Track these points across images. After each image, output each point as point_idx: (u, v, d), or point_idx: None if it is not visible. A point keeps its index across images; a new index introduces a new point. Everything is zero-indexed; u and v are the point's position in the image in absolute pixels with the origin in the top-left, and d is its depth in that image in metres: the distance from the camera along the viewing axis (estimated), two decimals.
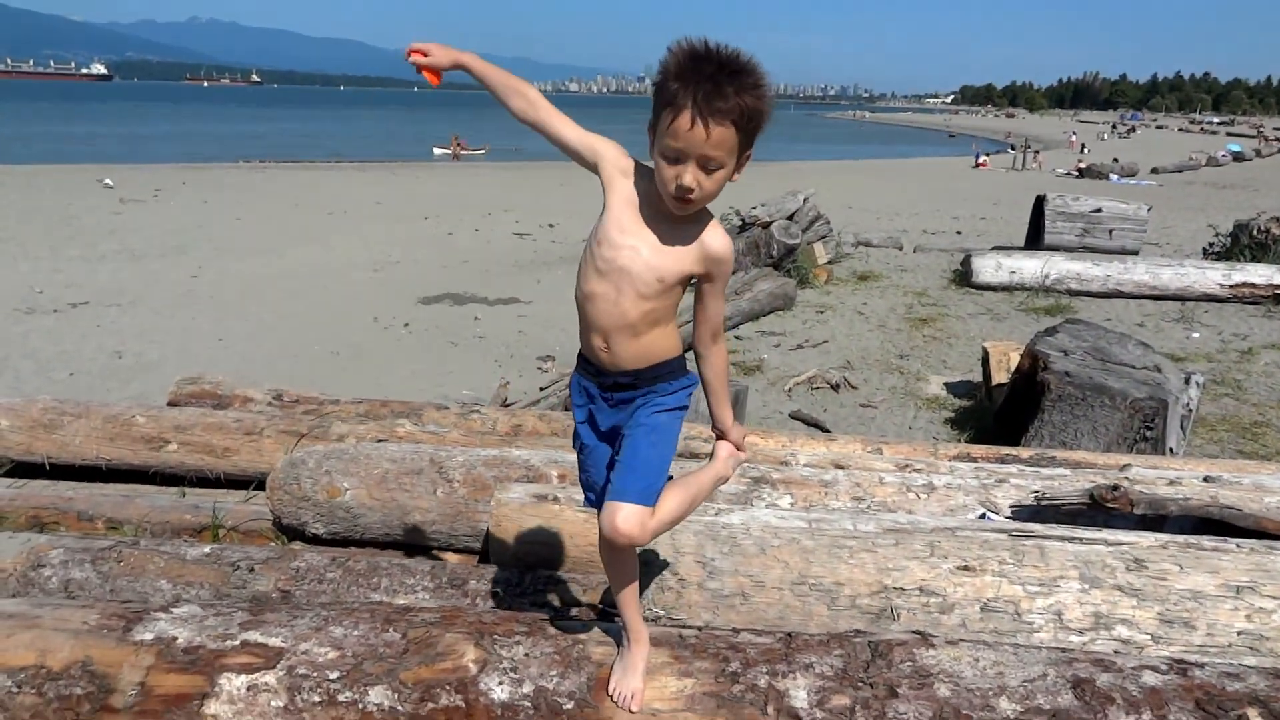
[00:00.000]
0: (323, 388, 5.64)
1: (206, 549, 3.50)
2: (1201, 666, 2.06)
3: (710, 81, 1.63)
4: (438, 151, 38.31)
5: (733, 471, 2.20)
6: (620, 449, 1.96)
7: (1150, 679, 2.01)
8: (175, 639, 2.12)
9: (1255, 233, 11.09)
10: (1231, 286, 9.71)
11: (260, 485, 4.22)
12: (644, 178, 1.83)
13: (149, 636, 2.14)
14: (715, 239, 1.85)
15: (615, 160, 1.86)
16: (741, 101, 1.65)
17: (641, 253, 1.82)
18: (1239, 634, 2.31)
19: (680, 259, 1.84)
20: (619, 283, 1.84)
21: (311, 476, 3.75)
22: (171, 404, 5.08)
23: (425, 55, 1.82)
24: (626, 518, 1.86)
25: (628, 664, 2.06)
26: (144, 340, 7.99)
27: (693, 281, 1.93)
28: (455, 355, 7.88)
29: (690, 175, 1.70)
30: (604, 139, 1.88)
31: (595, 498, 2.08)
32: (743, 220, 10.78)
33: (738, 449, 2.20)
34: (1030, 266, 10.22)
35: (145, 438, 4.44)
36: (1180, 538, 2.81)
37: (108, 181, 20.09)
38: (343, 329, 8.58)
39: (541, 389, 6.68)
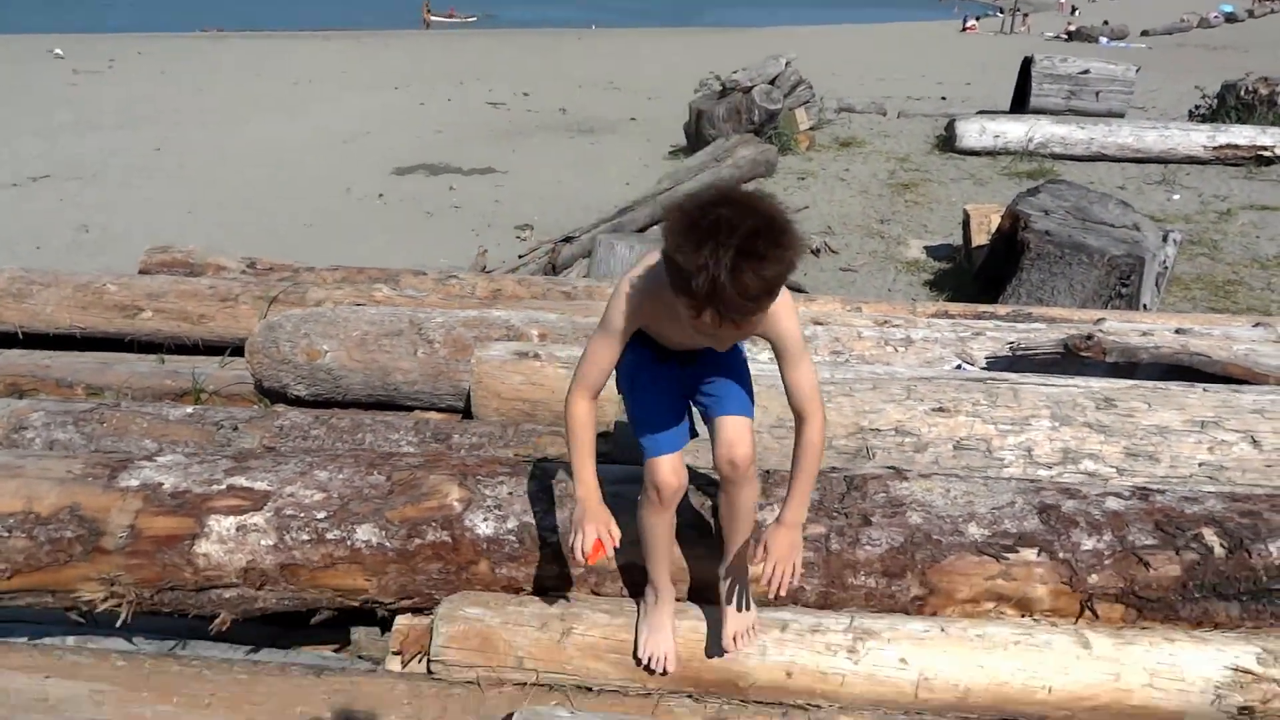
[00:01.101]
0: (296, 258, 5.55)
1: (189, 410, 3.51)
2: (1163, 492, 2.14)
3: (735, 285, 1.41)
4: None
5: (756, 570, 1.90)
6: (708, 388, 1.88)
7: (1113, 504, 2.09)
8: (161, 484, 2.15)
9: (1242, 94, 10.92)
10: (1215, 149, 9.62)
11: (238, 351, 4.20)
12: (665, 291, 1.57)
13: (135, 483, 2.16)
14: (772, 311, 1.60)
15: (642, 319, 1.74)
16: (768, 288, 1.45)
17: (709, 340, 1.66)
18: (1200, 465, 2.39)
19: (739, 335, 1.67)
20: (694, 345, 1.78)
21: (290, 339, 3.73)
22: (143, 273, 4.99)
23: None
24: (741, 428, 1.79)
25: (657, 624, 1.99)
26: (109, 213, 7.79)
27: None
28: (431, 225, 7.76)
29: (727, 338, 1.61)
30: (625, 322, 1.74)
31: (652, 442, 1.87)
32: (723, 85, 10.47)
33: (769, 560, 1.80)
34: (1015, 130, 10.06)
35: (118, 305, 4.38)
36: (1150, 383, 2.87)
37: (58, 52, 19.16)
38: (315, 200, 8.39)
39: (520, 256, 6.62)
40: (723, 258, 1.40)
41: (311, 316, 3.82)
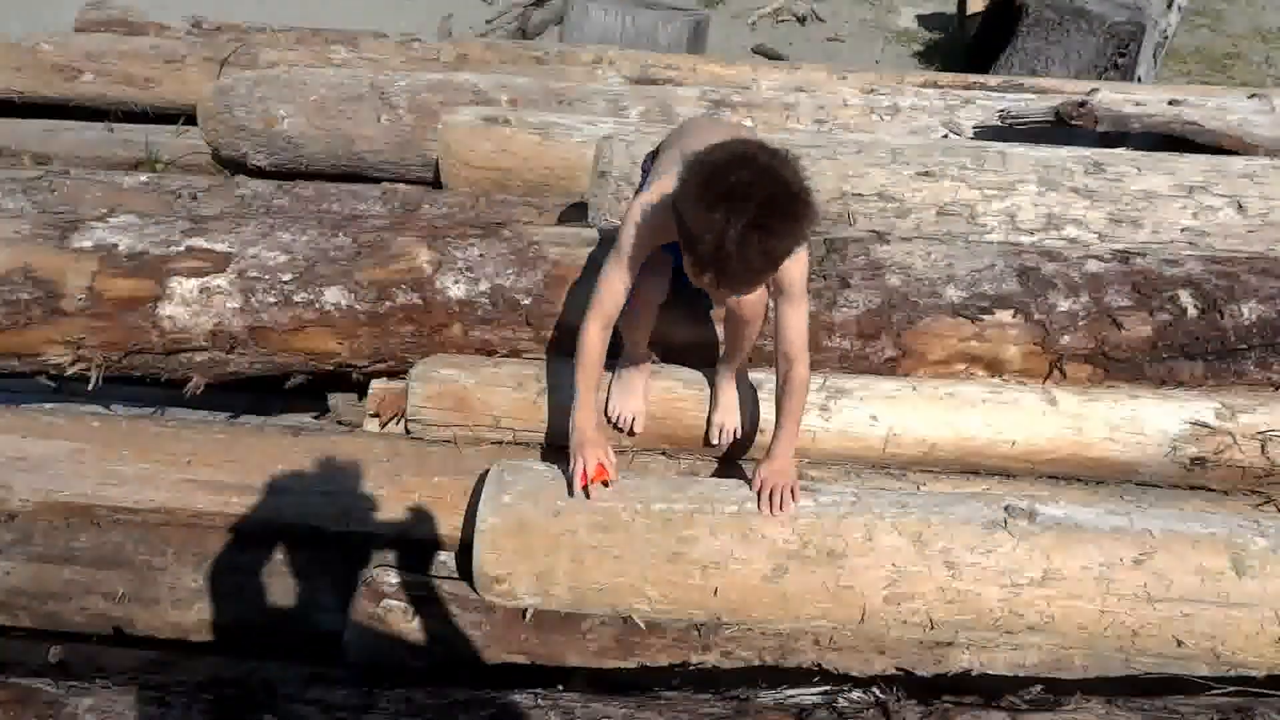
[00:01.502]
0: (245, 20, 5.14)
1: (144, 178, 3.35)
2: (1143, 255, 2.12)
3: (742, 261, 1.41)
4: None
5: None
6: None
7: (1093, 266, 2.07)
8: (116, 245, 2.07)
9: None
10: None
11: (191, 119, 3.97)
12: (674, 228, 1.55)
13: (88, 244, 2.07)
14: None
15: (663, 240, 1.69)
16: (774, 260, 1.45)
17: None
18: (1182, 231, 2.36)
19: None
20: None
21: (245, 104, 3.51)
22: (79, 32, 4.62)
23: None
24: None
25: (628, 385, 1.98)
26: None
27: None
28: None
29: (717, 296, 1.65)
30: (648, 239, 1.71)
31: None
32: None
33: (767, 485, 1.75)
34: None
35: (56, 67, 4.08)
36: (1141, 153, 2.79)
37: None
38: None
39: (488, 22, 6.20)
40: (732, 227, 1.38)
41: (266, 79, 3.58)
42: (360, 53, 4.29)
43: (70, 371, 2.12)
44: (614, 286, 1.75)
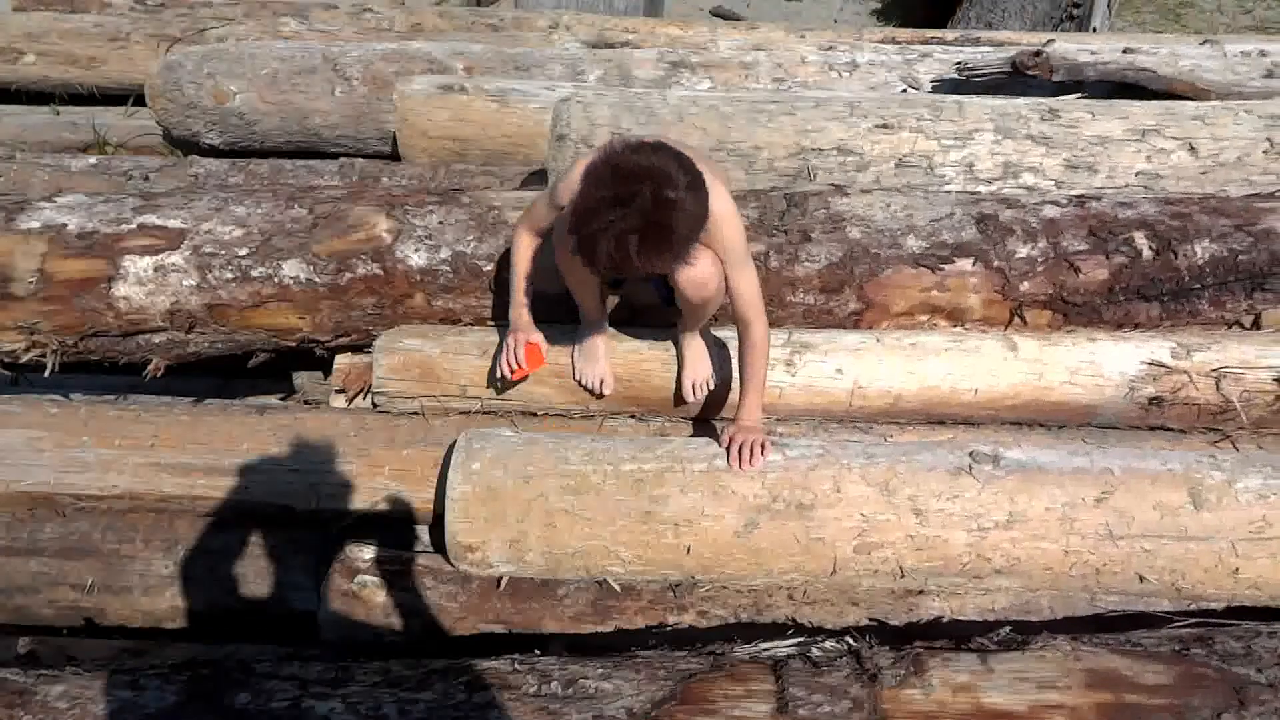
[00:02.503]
0: None
1: (93, 160, 3.29)
2: (1099, 199, 2.14)
3: (614, 262, 1.48)
4: None
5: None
6: None
7: (1050, 211, 2.09)
8: (65, 225, 2.02)
9: None
10: None
11: (140, 99, 3.87)
12: None
13: (35, 225, 2.03)
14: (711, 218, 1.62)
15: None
16: (670, 260, 1.52)
17: None
18: (1137, 175, 2.39)
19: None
20: None
21: (194, 81, 3.42)
22: (17, 11, 4.48)
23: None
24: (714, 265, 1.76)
25: (588, 350, 1.98)
26: None
27: None
28: None
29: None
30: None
31: None
32: None
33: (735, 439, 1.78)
34: None
35: None
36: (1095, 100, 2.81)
37: None
38: None
39: None
40: (608, 234, 1.46)
41: (214, 54, 3.50)
42: (311, 24, 4.19)
43: (25, 358, 2.08)
44: (539, 215, 1.87)
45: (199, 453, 2.01)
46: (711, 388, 1.99)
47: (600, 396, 2.01)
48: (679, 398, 2.00)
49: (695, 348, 1.98)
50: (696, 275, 1.74)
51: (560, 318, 2.04)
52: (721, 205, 1.68)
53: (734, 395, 1.93)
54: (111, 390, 2.50)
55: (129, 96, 4.02)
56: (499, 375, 1.93)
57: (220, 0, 4.59)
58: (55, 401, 2.13)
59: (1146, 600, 1.79)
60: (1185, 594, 1.75)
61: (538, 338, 1.93)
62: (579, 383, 2.01)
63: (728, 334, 2.02)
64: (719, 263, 1.77)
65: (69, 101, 4.07)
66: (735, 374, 1.93)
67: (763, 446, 1.74)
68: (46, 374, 2.10)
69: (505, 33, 4.23)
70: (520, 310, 1.93)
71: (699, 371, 1.98)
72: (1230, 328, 2.08)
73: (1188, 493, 1.69)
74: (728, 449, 1.76)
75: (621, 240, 1.45)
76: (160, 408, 2.12)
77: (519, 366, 1.89)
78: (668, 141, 1.63)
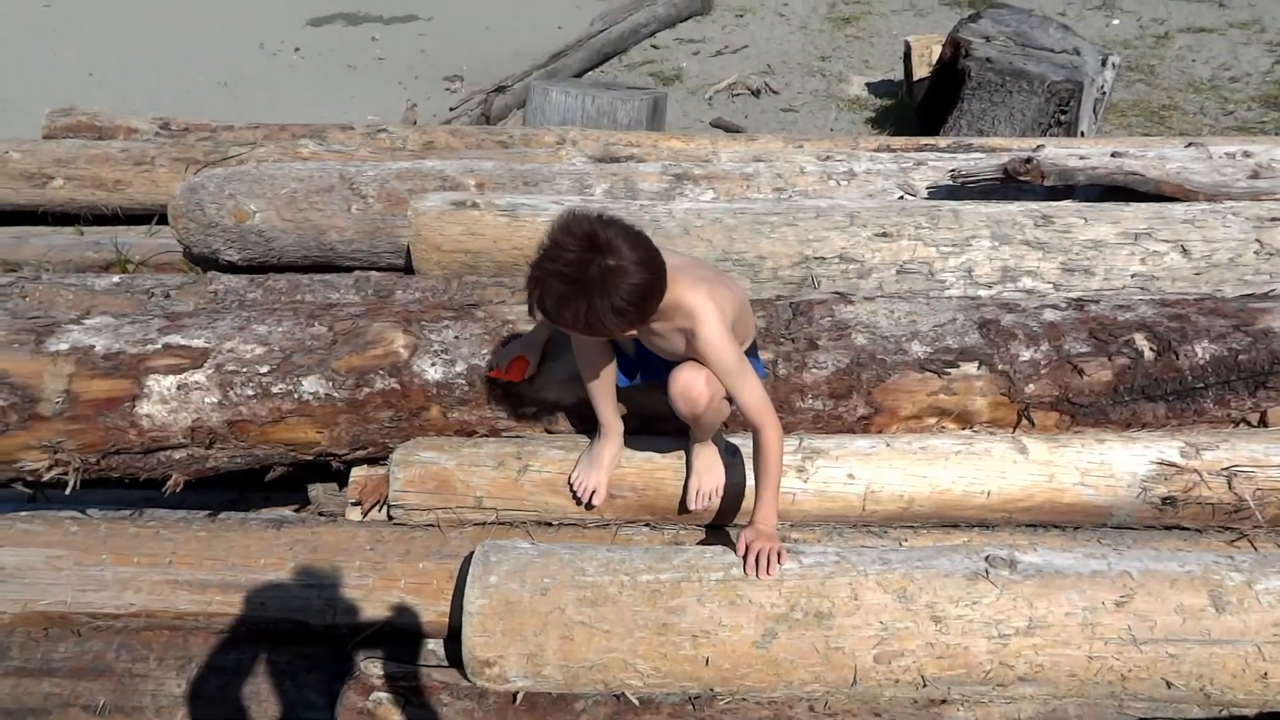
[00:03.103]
0: (213, 118, 5.24)
1: (116, 279, 3.37)
2: (1097, 302, 2.19)
3: (573, 316, 1.61)
4: None
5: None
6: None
7: (1050, 315, 2.14)
8: (93, 347, 2.08)
9: None
10: None
11: (162, 219, 4.01)
12: None
13: (64, 347, 2.08)
14: (694, 333, 1.75)
15: None
16: (612, 322, 1.61)
17: (653, 346, 1.86)
18: (1133, 276, 2.45)
19: (681, 343, 1.80)
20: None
21: (215, 201, 3.55)
22: (47, 138, 4.68)
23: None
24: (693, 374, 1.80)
25: (594, 458, 2.01)
26: (1, 79, 7.23)
27: None
28: (354, 80, 7.36)
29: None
30: None
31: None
32: None
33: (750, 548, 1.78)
34: None
35: (25, 174, 4.13)
36: (1086, 203, 2.90)
37: None
38: (226, 57, 7.86)
39: (451, 109, 6.35)
40: (534, 276, 1.62)
41: (236, 176, 3.64)
42: (328, 145, 4.37)
43: (47, 477, 2.10)
44: None
45: (216, 569, 2.02)
46: (719, 498, 2.00)
47: (589, 508, 2.02)
48: (683, 505, 2.01)
49: (704, 457, 2.00)
50: (684, 389, 1.78)
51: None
52: (707, 330, 1.72)
53: (749, 501, 1.94)
54: (128, 503, 2.52)
55: (152, 216, 4.16)
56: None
57: (242, 124, 4.81)
58: (75, 519, 2.15)
59: (1175, 706, 1.75)
60: (1215, 700, 1.72)
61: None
62: (570, 486, 2.02)
63: (743, 439, 2.05)
64: (713, 381, 1.78)
65: (93, 222, 4.22)
66: (749, 479, 1.95)
67: (779, 554, 1.75)
68: (67, 491, 2.13)
69: (514, 149, 4.40)
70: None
71: (705, 481, 1.99)
72: (1237, 425, 2.10)
73: (1208, 595, 1.68)
74: (744, 556, 1.76)
75: (541, 284, 1.59)
76: (179, 524, 2.14)
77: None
78: (647, 234, 1.70)
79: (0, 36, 8.44)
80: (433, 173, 3.67)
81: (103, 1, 9.83)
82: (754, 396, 1.79)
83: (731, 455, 2.03)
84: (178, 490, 2.19)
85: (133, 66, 7.59)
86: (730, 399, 1.83)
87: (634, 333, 1.73)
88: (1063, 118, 5.12)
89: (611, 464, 2.02)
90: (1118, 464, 1.98)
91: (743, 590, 1.73)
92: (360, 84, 7.22)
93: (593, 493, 2.00)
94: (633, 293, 1.59)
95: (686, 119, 6.24)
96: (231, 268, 3.67)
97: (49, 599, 1.98)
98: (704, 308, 1.73)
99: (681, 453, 2.05)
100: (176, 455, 2.12)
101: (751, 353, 1.98)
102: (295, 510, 2.53)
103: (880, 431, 2.13)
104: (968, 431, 2.11)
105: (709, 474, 1.99)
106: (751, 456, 1.86)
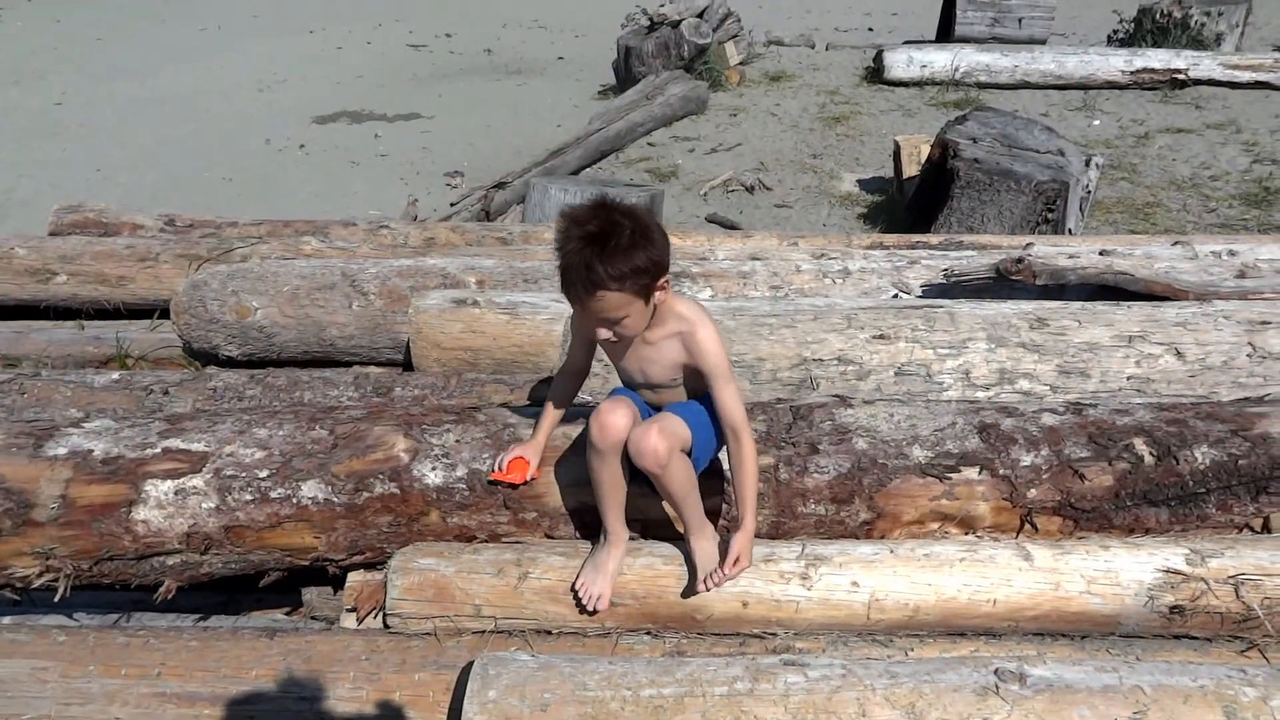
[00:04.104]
0: (218, 214, 5.34)
1: (115, 376, 3.38)
2: (1095, 406, 2.21)
3: (575, 271, 1.75)
4: None
5: (703, 568, 1.96)
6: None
7: (1049, 419, 2.15)
8: (91, 451, 2.07)
9: (1158, 17, 11.10)
10: (1133, 73, 9.79)
11: (164, 314, 4.04)
12: None
13: (63, 451, 2.07)
14: (691, 334, 1.90)
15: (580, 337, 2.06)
16: (606, 277, 1.73)
17: (644, 366, 1.97)
18: (1129, 379, 2.47)
19: (675, 354, 1.94)
20: (645, 379, 2.01)
21: (217, 298, 3.60)
22: (53, 235, 4.75)
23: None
24: (643, 431, 1.86)
25: (599, 564, 2.00)
26: (11, 175, 7.39)
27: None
28: (358, 175, 7.53)
29: (604, 332, 1.85)
30: (577, 333, 2.09)
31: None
32: (650, 20, 10.26)
33: (722, 563, 1.92)
34: (941, 60, 10.10)
35: (29, 270, 4.17)
36: (1078, 303, 2.95)
37: None
38: (232, 154, 8.06)
39: (452, 205, 6.48)
40: (569, 245, 1.76)
41: (239, 272, 3.69)
42: (330, 241, 4.44)
43: (38, 584, 2.07)
44: (570, 351, 2.15)
45: (206, 680, 1.96)
46: (726, 575, 1.93)
47: (593, 614, 2.00)
48: (691, 590, 1.99)
49: (701, 553, 1.99)
50: (636, 442, 1.84)
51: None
52: (704, 330, 1.90)
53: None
54: (118, 606, 2.47)
55: (154, 311, 4.20)
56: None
57: (246, 220, 4.89)
58: (63, 627, 2.11)
59: None
60: None
61: (531, 457, 2.09)
62: (575, 592, 2.00)
63: None
64: (666, 432, 1.85)
65: (94, 316, 4.25)
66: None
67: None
68: (56, 599, 2.09)
69: (514, 245, 4.48)
70: (535, 429, 2.13)
71: (707, 566, 1.97)
72: (1241, 531, 2.09)
73: (1223, 711, 1.65)
74: (735, 561, 1.88)
75: (577, 247, 1.72)
76: (169, 633, 2.09)
77: (501, 471, 2.06)
78: None
79: (13, 134, 8.66)
80: (434, 270, 3.73)
81: (112, 100, 10.12)
82: (737, 404, 1.90)
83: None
84: (169, 597, 2.15)
85: (140, 163, 7.77)
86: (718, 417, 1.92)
87: (641, 334, 1.88)
88: (1050, 215, 5.24)
89: (616, 570, 2.00)
90: (1123, 571, 1.96)
91: (748, 706, 1.69)
92: (363, 179, 7.39)
93: (598, 599, 1.98)
94: (646, 245, 1.76)
95: (683, 214, 6.37)
96: (230, 363, 3.69)
97: (33, 713, 1.91)
98: (700, 312, 1.93)
99: (682, 559, 2.02)
100: (170, 561, 2.09)
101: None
102: (288, 613, 2.48)
103: (883, 537, 2.12)
104: (971, 537, 2.09)
105: (710, 560, 1.97)
106: (730, 469, 1.98)
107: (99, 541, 2.03)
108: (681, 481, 1.93)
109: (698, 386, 1.99)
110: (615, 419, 1.88)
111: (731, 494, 2.06)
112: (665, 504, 2.09)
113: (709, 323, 1.92)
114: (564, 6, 17.62)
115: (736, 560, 1.89)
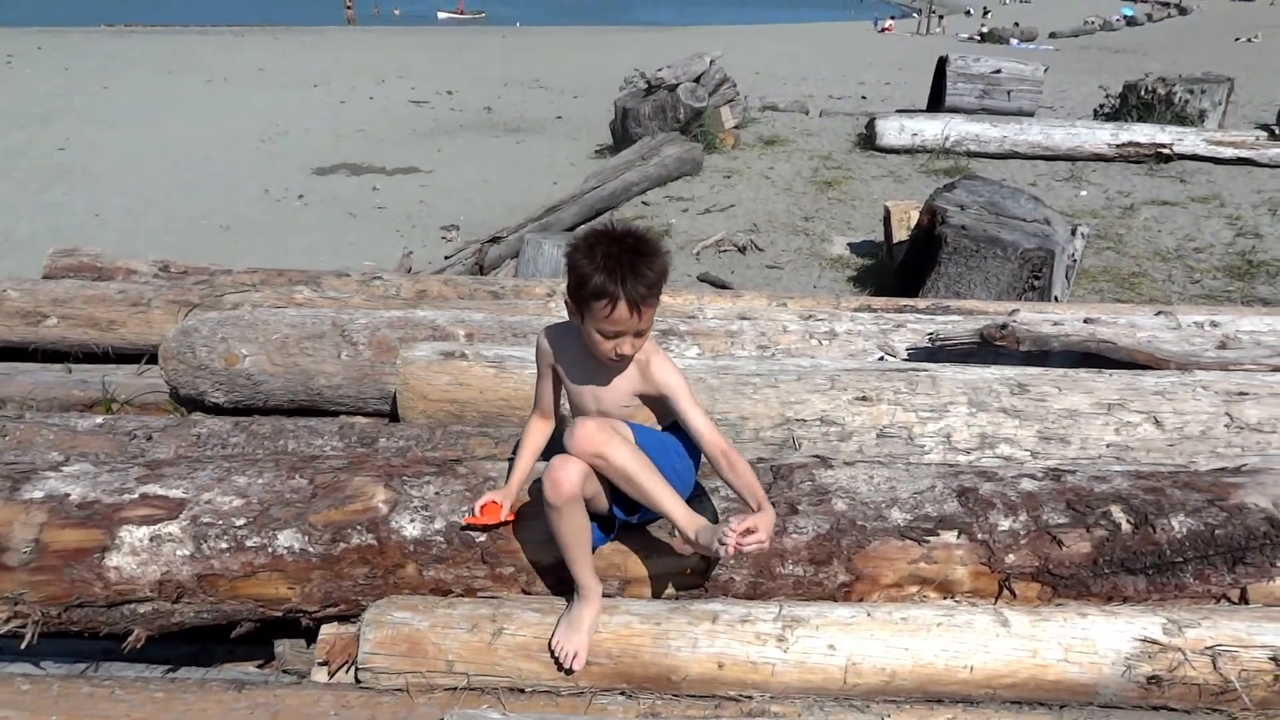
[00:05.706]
0: (213, 262, 5.38)
1: (99, 420, 3.37)
2: (1073, 473, 2.22)
3: (633, 272, 1.81)
4: (442, 15, 38.02)
5: (705, 538, 1.89)
6: None
7: (1028, 485, 2.16)
8: (68, 495, 2.06)
9: (1143, 93, 11.40)
10: (1118, 146, 10.03)
11: (152, 359, 4.05)
12: (568, 338, 2.06)
13: (39, 494, 2.06)
14: (647, 361, 1.98)
15: (550, 359, 2.13)
16: (658, 275, 1.86)
17: (598, 393, 2.04)
18: (1108, 446, 2.49)
19: (630, 383, 2.01)
20: (598, 407, 2.06)
21: (207, 344, 3.60)
22: (47, 278, 4.78)
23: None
24: (597, 427, 1.90)
25: (574, 620, 1.99)
26: (10, 217, 7.45)
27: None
28: (354, 226, 7.61)
29: (628, 345, 1.91)
30: (541, 363, 2.18)
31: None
32: (648, 83, 10.50)
33: (738, 534, 1.83)
34: (931, 128, 10.33)
35: (20, 312, 4.18)
36: (1059, 370, 2.98)
37: None
38: (231, 203, 8.15)
39: (446, 257, 6.54)
40: (627, 258, 1.82)
41: (229, 320, 3.71)
42: (323, 292, 4.47)
43: (3, 630, 2.04)
44: (537, 389, 2.22)
45: None
46: (736, 533, 1.83)
47: (570, 672, 1.97)
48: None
49: (690, 520, 1.93)
50: (580, 433, 1.88)
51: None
52: (661, 357, 1.99)
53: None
54: (86, 655, 2.43)
55: (142, 356, 4.20)
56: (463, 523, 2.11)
57: (240, 268, 4.92)
58: (28, 675, 2.07)
59: None
60: None
61: (505, 502, 2.11)
62: (551, 651, 1.98)
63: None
64: (603, 426, 1.91)
65: (82, 360, 4.25)
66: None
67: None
68: (23, 646, 2.06)
69: (505, 300, 4.51)
70: (510, 474, 2.17)
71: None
72: (1218, 601, 2.08)
73: None
74: (748, 530, 1.82)
75: (630, 259, 1.79)
76: (135, 684, 2.05)
77: (474, 515, 2.07)
78: None
79: (15, 177, 8.75)
80: (424, 322, 3.75)
81: (115, 147, 10.26)
82: (712, 427, 1.95)
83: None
84: (139, 646, 2.12)
85: (139, 209, 7.85)
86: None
87: (622, 355, 1.92)
88: (1036, 283, 5.31)
89: (592, 627, 1.99)
90: (1101, 640, 1.95)
91: None
92: (360, 230, 7.47)
93: (574, 656, 1.96)
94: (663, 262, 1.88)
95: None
96: (216, 409, 3.69)
97: None
98: (653, 343, 2.02)
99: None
100: (141, 609, 2.06)
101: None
102: (259, 666, 2.44)
103: (861, 599, 2.11)
104: (949, 602, 2.08)
105: (709, 529, 1.90)
106: (729, 483, 1.95)
107: (69, 588, 2.01)
108: (628, 459, 1.90)
109: (662, 419, 2.05)
110: (566, 473, 1.88)
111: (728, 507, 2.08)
112: (647, 532, 2.12)
113: (662, 351, 2.03)
114: (563, 69, 18.03)
115: (750, 530, 1.80)
